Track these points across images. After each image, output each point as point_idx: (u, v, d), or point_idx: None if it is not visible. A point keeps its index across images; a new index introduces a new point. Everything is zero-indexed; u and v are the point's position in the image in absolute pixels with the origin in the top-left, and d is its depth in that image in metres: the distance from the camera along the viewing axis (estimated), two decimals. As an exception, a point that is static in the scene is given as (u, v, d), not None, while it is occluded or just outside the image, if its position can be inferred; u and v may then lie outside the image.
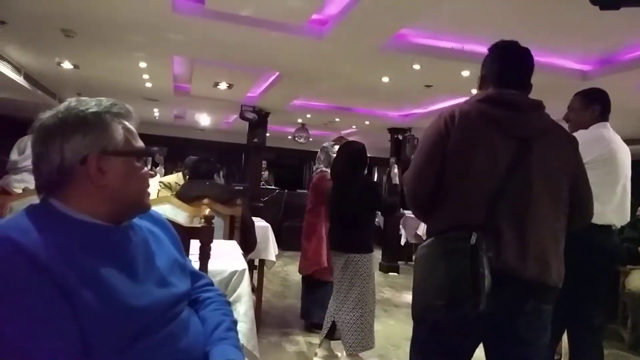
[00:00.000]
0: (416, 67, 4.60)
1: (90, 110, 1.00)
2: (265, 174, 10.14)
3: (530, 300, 1.50)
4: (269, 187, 9.67)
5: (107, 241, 1.00)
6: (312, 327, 3.90)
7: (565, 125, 2.55)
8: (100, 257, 0.96)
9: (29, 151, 4.35)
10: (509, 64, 1.66)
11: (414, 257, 1.67)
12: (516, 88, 1.62)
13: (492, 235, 1.45)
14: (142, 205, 1.08)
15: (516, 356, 1.53)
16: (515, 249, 1.46)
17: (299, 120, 9.39)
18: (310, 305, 3.89)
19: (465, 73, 4.63)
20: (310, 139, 9.93)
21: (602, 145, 2.39)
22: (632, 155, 2.56)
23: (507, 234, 1.47)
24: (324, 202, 3.58)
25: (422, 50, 4.19)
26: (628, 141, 2.70)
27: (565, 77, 4.46)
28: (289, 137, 10.37)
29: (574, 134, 2.41)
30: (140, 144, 1.07)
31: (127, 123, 1.04)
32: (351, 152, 3.27)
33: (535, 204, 1.51)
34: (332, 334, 3.23)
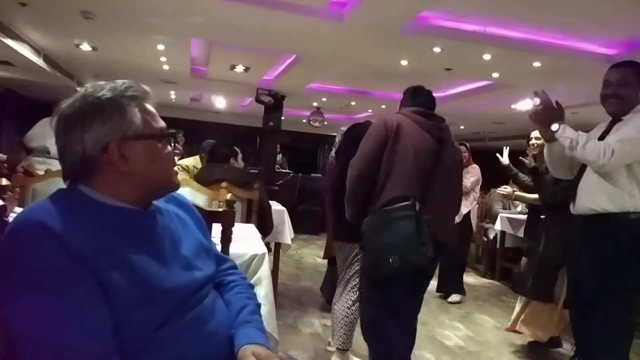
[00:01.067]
0: (436, 50, 4.52)
1: (105, 96, 0.98)
2: (280, 157, 10.13)
3: (440, 252, 2.21)
4: (283, 170, 9.68)
5: (136, 225, 1.00)
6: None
7: (594, 106, 2.31)
8: (128, 240, 0.96)
9: (47, 134, 4.39)
10: (421, 99, 2.35)
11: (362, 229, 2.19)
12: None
13: (423, 206, 2.05)
14: (170, 185, 1.08)
15: (423, 287, 2.38)
16: (435, 218, 2.08)
17: (315, 104, 9.34)
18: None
19: (487, 56, 4.53)
20: (325, 123, 9.88)
21: None
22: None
23: (431, 207, 2.09)
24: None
25: (443, 33, 4.11)
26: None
27: (589, 62, 4.35)
28: (304, 120, 10.33)
29: (626, 117, 2.11)
30: (161, 124, 1.05)
31: (145, 104, 1.03)
32: (354, 134, 2.75)
33: (447, 186, 2.23)
34: None
